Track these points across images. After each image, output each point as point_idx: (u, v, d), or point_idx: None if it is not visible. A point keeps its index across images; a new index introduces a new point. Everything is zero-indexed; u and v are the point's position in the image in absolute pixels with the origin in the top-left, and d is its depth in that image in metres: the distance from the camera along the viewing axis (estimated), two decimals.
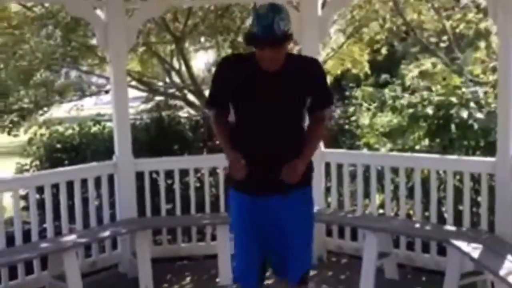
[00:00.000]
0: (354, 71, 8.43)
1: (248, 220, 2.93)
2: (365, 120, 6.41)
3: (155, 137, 6.05)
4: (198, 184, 5.38)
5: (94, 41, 8.12)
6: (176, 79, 8.65)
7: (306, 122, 3.04)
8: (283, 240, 2.92)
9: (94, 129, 6.40)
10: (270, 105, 2.83)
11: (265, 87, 2.83)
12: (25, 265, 4.44)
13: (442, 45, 7.49)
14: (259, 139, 2.85)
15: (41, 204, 4.81)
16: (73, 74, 9.51)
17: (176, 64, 8.96)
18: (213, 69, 10.08)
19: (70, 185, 4.76)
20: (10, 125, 8.35)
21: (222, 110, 2.97)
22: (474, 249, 3.78)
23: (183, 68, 8.55)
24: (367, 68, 8.47)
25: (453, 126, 5.29)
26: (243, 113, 2.90)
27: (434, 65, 7.03)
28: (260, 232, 2.93)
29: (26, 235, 4.47)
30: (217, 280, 4.61)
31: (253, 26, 2.71)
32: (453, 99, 5.48)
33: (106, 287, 4.72)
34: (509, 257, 3.61)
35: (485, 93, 5.49)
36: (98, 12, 4.96)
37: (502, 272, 3.37)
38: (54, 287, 4.35)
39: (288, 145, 2.87)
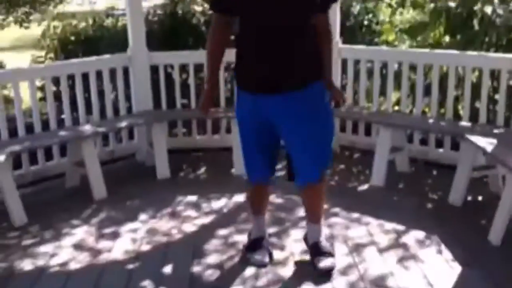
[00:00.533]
0: None
1: (249, 117, 3.01)
2: (385, 16, 6.20)
3: (169, 31, 5.93)
4: None
5: None
6: None
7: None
8: (294, 135, 2.95)
9: (107, 21, 6.29)
10: (279, 7, 2.79)
11: None
12: (45, 152, 4.57)
13: None
14: (263, 37, 2.81)
15: (57, 96, 4.86)
16: None
17: None
18: None
19: (85, 77, 4.77)
20: (23, 17, 8.23)
21: (225, 15, 2.93)
22: (488, 144, 3.78)
23: None
24: None
25: (475, 22, 5.13)
26: (246, 7, 2.83)
27: None
28: (264, 128, 2.98)
29: (45, 125, 4.56)
30: (232, 171, 4.71)
31: None
32: None
33: (125, 175, 4.86)
34: None
35: None
36: None
37: None
38: (73, 172, 4.50)
39: (292, 45, 2.83)
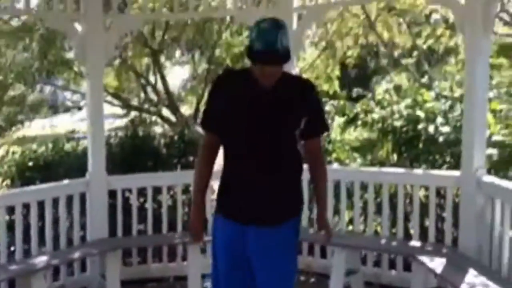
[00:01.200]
0: (325, 87, 8.55)
1: (226, 249, 2.82)
2: (336, 135, 6.48)
3: (129, 154, 6.04)
4: (170, 203, 5.40)
5: (70, 55, 8.13)
6: (152, 94, 8.68)
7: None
8: (268, 270, 2.79)
9: (67, 146, 6.38)
10: (266, 123, 2.72)
11: (259, 100, 2.73)
12: None
13: (411, 61, 7.62)
14: (250, 163, 2.72)
15: (10, 226, 4.78)
16: (48, 89, 9.48)
17: (152, 79, 8.99)
18: (189, 85, 10.14)
19: (41, 204, 4.74)
20: None
21: (215, 134, 2.84)
22: (437, 265, 3.86)
23: (159, 83, 8.59)
24: (337, 86, 8.55)
25: (420, 141, 5.41)
26: (235, 133, 2.77)
27: (406, 79, 7.16)
28: (242, 263, 2.81)
29: None
30: None
31: (255, 41, 2.62)
32: (421, 114, 5.60)
33: None
34: (471, 271, 3.70)
35: (451, 107, 5.60)
36: (76, 25, 4.96)
37: (463, 287, 3.45)
38: None
39: (282, 173, 2.75)
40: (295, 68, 5.40)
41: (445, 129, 5.38)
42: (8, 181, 6.03)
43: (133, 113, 8.47)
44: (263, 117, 2.72)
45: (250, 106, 2.74)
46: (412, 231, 4.68)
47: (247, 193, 2.73)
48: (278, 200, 2.74)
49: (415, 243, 4.48)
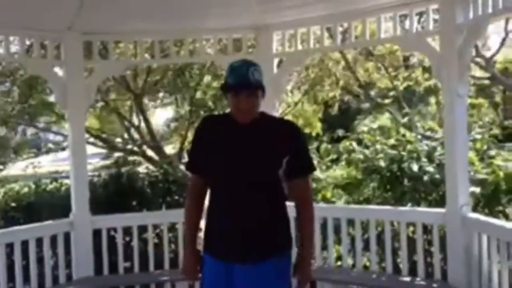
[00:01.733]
0: (307, 130, 8.69)
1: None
2: (321, 174, 6.57)
3: (113, 194, 6.02)
4: (156, 240, 5.35)
5: (52, 98, 8.11)
6: (135, 135, 8.70)
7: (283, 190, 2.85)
8: None
9: (50, 186, 6.33)
10: (245, 160, 2.73)
11: (240, 140, 2.77)
12: None
13: (388, 101, 7.85)
14: (234, 204, 2.74)
15: None
16: (30, 131, 9.43)
17: (135, 120, 9.02)
18: (172, 125, 10.20)
19: (25, 244, 4.66)
20: None
21: (199, 176, 2.88)
22: None
23: (142, 124, 8.62)
24: (319, 129, 8.72)
25: (405, 179, 5.52)
26: (215, 172, 2.79)
27: (388, 120, 7.36)
28: None
29: None
30: None
31: (228, 77, 2.76)
32: (404, 153, 5.74)
33: None
34: None
35: (434, 148, 5.76)
36: (57, 70, 5.01)
37: None
38: None
39: (265, 210, 2.74)
40: (277, 111, 5.51)
41: (429, 168, 5.52)
42: None
43: (117, 154, 8.45)
44: (240, 155, 2.74)
45: (228, 144, 2.78)
46: (401, 266, 4.70)
47: (229, 231, 2.74)
48: (261, 237, 2.72)
49: (405, 278, 4.50)
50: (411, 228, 4.98)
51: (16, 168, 8.95)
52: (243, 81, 2.70)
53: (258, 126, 2.78)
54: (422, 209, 5.07)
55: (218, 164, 2.78)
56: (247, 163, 2.73)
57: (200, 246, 2.91)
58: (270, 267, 2.72)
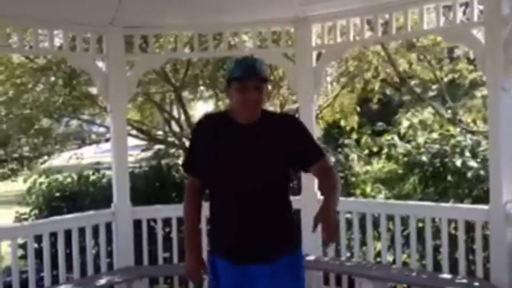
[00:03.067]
0: (343, 123, 8.57)
1: None
2: (360, 168, 6.50)
3: (153, 186, 6.11)
4: None
5: (95, 90, 8.28)
6: (175, 127, 8.78)
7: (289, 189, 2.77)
8: None
9: (93, 177, 6.46)
10: (248, 161, 2.61)
11: (242, 141, 2.64)
12: None
13: (432, 93, 7.65)
14: (241, 204, 2.60)
15: (39, 253, 4.83)
16: (74, 123, 9.65)
17: (175, 113, 9.11)
18: None
19: (68, 233, 4.79)
20: (9, 173, 8.42)
21: (196, 177, 2.76)
22: None
23: (182, 117, 8.69)
24: (355, 123, 8.56)
25: (448, 174, 5.40)
26: (214, 173, 2.65)
27: (432, 114, 7.19)
28: None
29: (24, 284, 4.46)
30: None
31: (233, 71, 2.59)
32: (448, 148, 5.60)
33: None
34: None
35: (478, 142, 5.60)
36: (99, 63, 5.10)
37: None
38: None
39: (271, 208, 2.65)
40: (316, 104, 5.47)
41: (473, 163, 5.38)
42: (36, 211, 6.10)
43: (157, 146, 8.56)
44: (243, 155, 2.62)
45: (229, 145, 2.66)
46: (442, 263, 4.60)
47: (238, 233, 2.63)
48: (272, 236, 2.64)
49: (446, 275, 4.40)
50: (453, 225, 4.87)
51: (60, 159, 9.19)
52: (252, 71, 2.57)
53: (258, 124, 2.66)
54: (464, 205, 4.95)
55: (215, 166, 2.65)
56: (250, 163, 2.61)
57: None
58: (285, 264, 2.65)
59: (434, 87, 8.21)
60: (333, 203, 2.50)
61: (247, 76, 2.57)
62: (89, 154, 10.00)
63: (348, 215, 5.20)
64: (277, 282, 2.63)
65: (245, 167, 2.61)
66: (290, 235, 2.73)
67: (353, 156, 6.55)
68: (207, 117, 3.13)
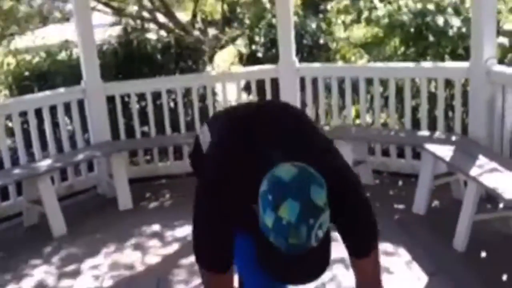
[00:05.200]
0: None
1: None
2: (340, 33, 6.28)
3: (123, 61, 5.89)
4: (172, 105, 5.31)
5: None
6: (146, 1, 8.31)
7: None
8: None
9: (62, 55, 6.20)
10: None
11: None
12: (1, 192, 4.41)
13: None
14: None
15: (11, 134, 4.74)
16: (37, 1, 9.11)
17: None
18: None
19: (39, 113, 4.66)
20: None
21: (228, 273, 1.76)
22: (447, 152, 3.80)
23: None
24: None
25: (429, 34, 5.23)
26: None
27: None
28: None
29: None
30: None
31: (271, 232, 1.44)
32: (430, 6, 5.38)
33: (86, 208, 4.73)
34: (480, 157, 3.63)
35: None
36: None
37: (473, 172, 3.41)
38: (31, 211, 4.35)
39: None
40: None
41: (456, 21, 5.19)
42: (6, 91, 5.91)
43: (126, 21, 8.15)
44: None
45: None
46: (420, 122, 4.59)
47: None
48: None
49: (424, 132, 4.41)
50: (433, 84, 4.80)
51: (25, 40, 8.77)
52: (299, 251, 1.45)
53: None
54: (445, 64, 4.84)
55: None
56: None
57: None
58: None
59: None
60: None
61: (291, 257, 1.47)
62: (54, 34, 9.56)
63: (327, 81, 5.10)
64: None
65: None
66: None
67: (334, 20, 6.30)
68: (222, 200, 1.70)
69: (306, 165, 1.49)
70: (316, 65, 5.39)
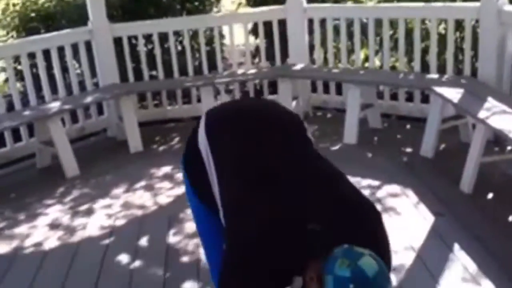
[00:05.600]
0: None
1: None
2: None
3: (129, 1, 5.79)
4: (180, 48, 5.27)
5: None
6: None
7: None
8: None
9: None
10: None
11: None
12: (13, 133, 4.47)
13: None
14: None
15: (20, 76, 4.74)
16: None
17: None
18: None
19: (47, 54, 4.64)
20: None
21: None
22: (455, 94, 3.80)
23: None
24: None
25: None
26: None
27: None
28: None
29: (10, 107, 4.45)
30: None
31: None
32: None
33: (97, 150, 4.80)
34: (489, 99, 3.63)
35: None
36: None
37: (481, 114, 3.42)
38: (43, 152, 4.42)
39: None
40: None
41: None
42: (14, 33, 5.86)
43: None
44: None
45: None
46: (430, 65, 4.57)
47: None
48: None
49: (433, 75, 4.39)
50: (443, 25, 4.73)
51: None
52: None
53: None
54: (455, 4, 4.76)
55: None
56: None
57: None
58: None
59: None
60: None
61: None
62: None
63: (336, 22, 5.03)
64: None
65: None
66: None
67: None
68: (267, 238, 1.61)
69: (382, 260, 1.54)
70: (325, 5, 5.30)
